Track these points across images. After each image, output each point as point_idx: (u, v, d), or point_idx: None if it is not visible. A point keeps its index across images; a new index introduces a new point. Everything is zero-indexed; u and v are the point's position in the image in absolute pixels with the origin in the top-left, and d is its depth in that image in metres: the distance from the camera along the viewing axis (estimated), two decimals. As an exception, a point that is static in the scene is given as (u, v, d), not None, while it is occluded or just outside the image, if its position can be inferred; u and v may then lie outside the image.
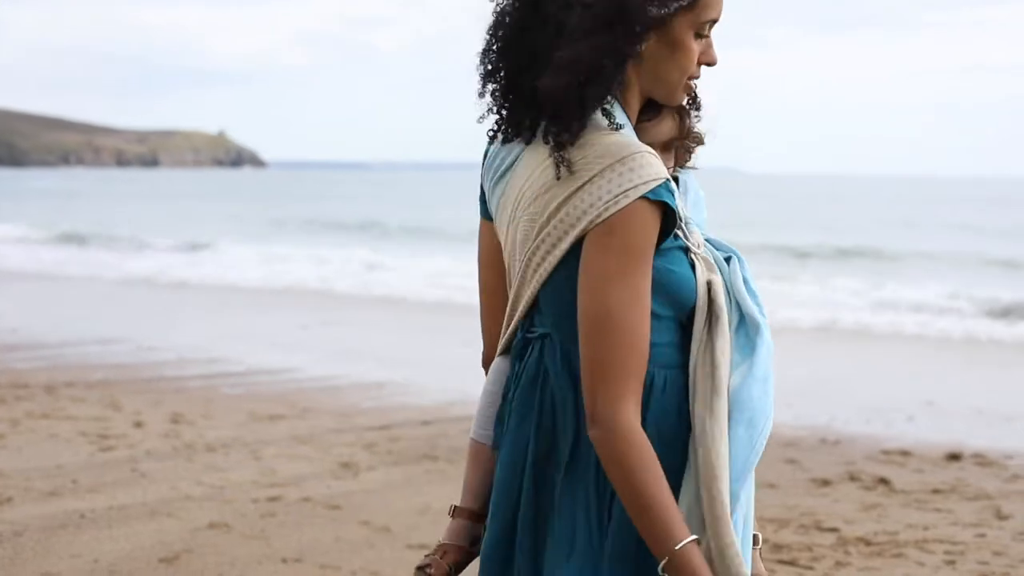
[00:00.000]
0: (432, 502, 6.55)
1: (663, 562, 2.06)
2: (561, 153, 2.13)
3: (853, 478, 7.24)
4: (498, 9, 2.24)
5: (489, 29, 2.25)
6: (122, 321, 14.38)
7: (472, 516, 2.37)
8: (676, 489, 2.13)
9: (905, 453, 7.90)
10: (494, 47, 2.23)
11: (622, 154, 2.09)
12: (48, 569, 5.36)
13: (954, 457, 7.79)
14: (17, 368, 10.54)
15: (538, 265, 2.18)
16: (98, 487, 6.69)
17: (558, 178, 2.13)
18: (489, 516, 2.30)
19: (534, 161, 2.20)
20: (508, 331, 2.33)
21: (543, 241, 2.15)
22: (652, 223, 2.08)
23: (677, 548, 2.04)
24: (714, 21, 2.21)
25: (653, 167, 2.09)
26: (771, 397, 2.20)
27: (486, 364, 2.45)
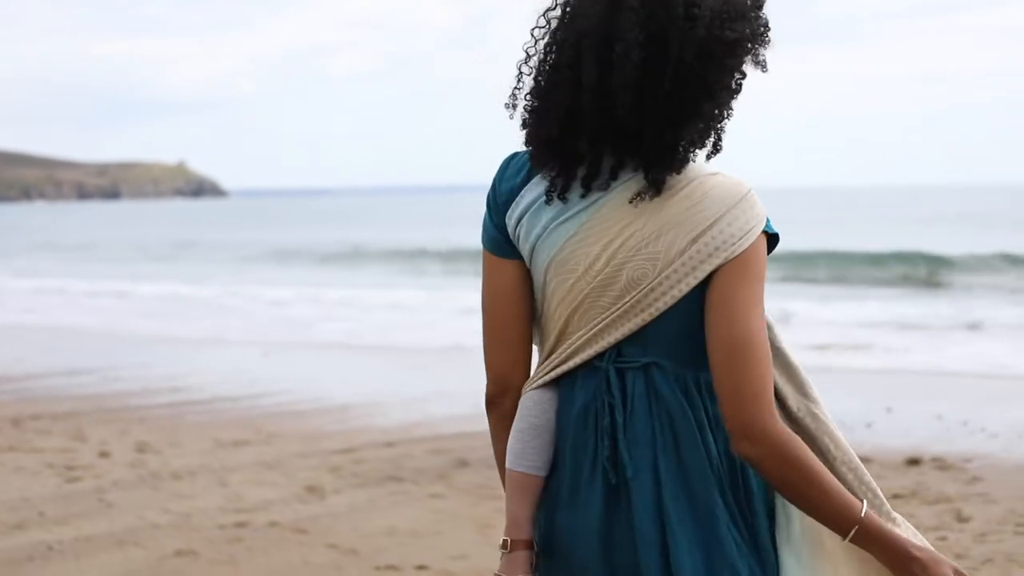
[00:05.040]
0: (398, 523, 6.58)
1: (852, 532, 2.19)
2: (672, 192, 2.23)
3: (815, 485, 7.29)
4: (620, 51, 2.17)
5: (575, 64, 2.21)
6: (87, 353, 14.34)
7: (529, 545, 2.35)
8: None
9: (865, 459, 7.95)
10: (594, 85, 2.19)
11: (741, 192, 2.23)
12: (16, 601, 5.37)
13: (913, 462, 7.87)
14: (-19, 403, 10.51)
15: (656, 299, 2.23)
16: (65, 518, 6.69)
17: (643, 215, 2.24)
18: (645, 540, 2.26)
19: (632, 207, 2.24)
20: (558, 363, 2.33)
21: (667, 277, 2.22)
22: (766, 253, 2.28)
23: (862, 514, 2.19)
24: None
25: (760, 202, 2.27)
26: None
27: (497, 399, 2.41)
